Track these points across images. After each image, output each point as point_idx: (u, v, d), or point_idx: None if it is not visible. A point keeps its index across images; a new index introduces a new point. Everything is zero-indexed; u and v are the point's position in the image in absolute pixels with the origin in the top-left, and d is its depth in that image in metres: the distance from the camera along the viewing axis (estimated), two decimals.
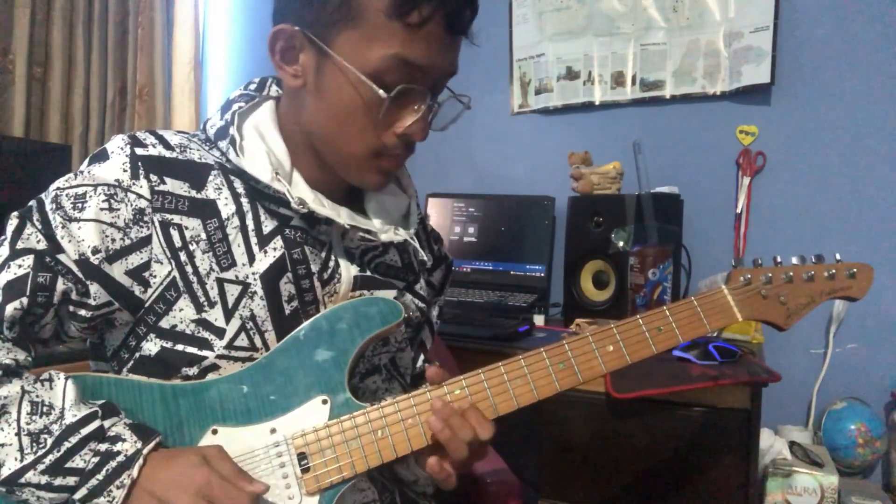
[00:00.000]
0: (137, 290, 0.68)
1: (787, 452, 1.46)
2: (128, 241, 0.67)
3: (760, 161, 1.75)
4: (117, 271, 0.67)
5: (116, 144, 0.69)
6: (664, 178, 1.73)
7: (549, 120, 2.06)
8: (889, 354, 1.63)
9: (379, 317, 0.74)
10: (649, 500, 1.29)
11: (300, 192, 0.73)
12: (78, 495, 0.60)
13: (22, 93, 1.84)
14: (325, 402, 0.70)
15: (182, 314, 0.69)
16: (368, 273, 0.79)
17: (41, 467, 0.60)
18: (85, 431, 0.62)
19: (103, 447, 0.62)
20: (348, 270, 0.77)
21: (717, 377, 1.22)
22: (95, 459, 0.61)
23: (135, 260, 0.68)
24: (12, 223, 0.67)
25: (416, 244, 0.81)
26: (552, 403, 1.37)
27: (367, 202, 0.80)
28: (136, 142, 0.70)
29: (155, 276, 0.69)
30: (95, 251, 0.66)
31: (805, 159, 1.72)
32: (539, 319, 1.68)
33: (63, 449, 0.61)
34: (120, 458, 0.61)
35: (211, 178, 0.71)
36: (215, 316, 0.69)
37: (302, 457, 0.68)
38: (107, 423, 0.63)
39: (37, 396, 0.63)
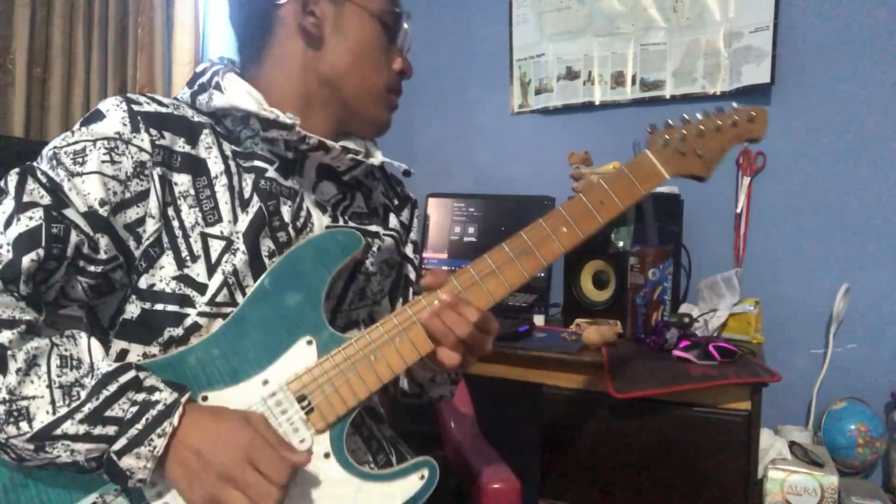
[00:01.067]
0: (132, 245, 0.68)
1: (787, 452, 1.46)
2: (128, 195, 0.67)
3: (760, 161, 1.75)
4: (119, 224, 0.67)
5: (111, 102, 0.69)
6: None
7: (549, 120, 2.06)
8: (889, 354, 1.63)
9: (339, 248, 0.75)
10: (649, 500, 1.29)
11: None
12: (117, 445, 0.60)
13: (22, 93, 1.84)
14: (309, 342, 0.71)
15: (163, 272, 0.69)
16: (340, 223, 0.81)
17: (79, 416, 0.59)
18: (123, 380, 0.62)
19: (141, 396, 0.61)
20: (320, 220, 0.79)
21: (717, 377, 1.22)
22: (134, 409, 0.61)
23: (132, 214, 0.68)
24: (13, 179, 0.65)
25: (391, 161, 0.87)
26: (552, 403, 1.38)
27: (367, 128, 0.86)
28: (130, 100, 0.70)
29: (145, 232, 0.69)
30: (102, 203, 0.66)
31: (805, 159, 1.72)
32: (539, 319, 1.68)
33: (101, 397, 0.60)
34: (160, 407, 0.61)
35: (203, 136, 0.73)
36: (197, 271, 0.70)
37: (302, 398, 0.69)
38: (141, 375, 0.63)
39: (65, 350, 0.63)
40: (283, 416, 0.68)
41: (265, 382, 0.69)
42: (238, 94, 0.74)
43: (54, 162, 0.66)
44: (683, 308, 1.59)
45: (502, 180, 2.10)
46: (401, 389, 0.96)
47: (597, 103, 1.96)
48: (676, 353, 1.33)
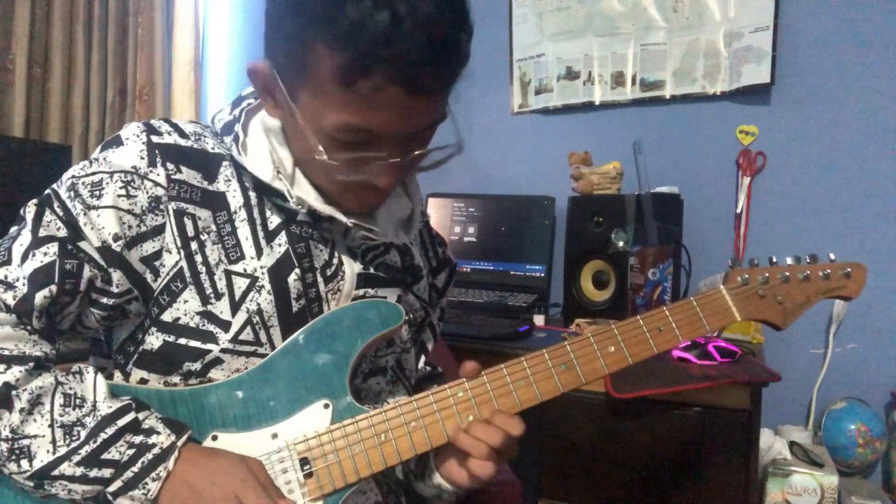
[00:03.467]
0: (150, 277, 0.68)
1: (787, 452, 1.46)
2: (143, 228, 0.67)
3: (760, 161, 1.75)
4: (134, 258, 0.67)
5: (132, 131, 0.69)
6: (664, 178, 1.73)
7: (549, 120, 2.06)
8: (889, 354, 1.63)
9: (379, 320, 0.73)
10: (649, 499, 1.29)
11: (302, 191, 0.73)
12: (112, 487, 0.60)
13: (22, 93, 1.84)
14: (326, 406, 0.70)
15: (186, 306, 0.68)
16: (371, 271, 0.78)
17: (76, 458, 0.60)
18: (120, 423, 0.62)
19: (138, 439, 0.61)
20: (352, 268, 0.76)
21: (717, 377, 1.22)
22: (131, 451, 0.61)
23: (149, 248, 0.67)
24: (31, 211, 0.66)
25: (415, 251, 0.81)
26: (552, 403, 1.37)
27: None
28: (151, 129, 0.69)
29: (164, 266, 0.68)
30: (116, 238, 0.65)
31: (805, 159, 1.72)
32: (539, 319, 1.68)
33: (99, 440, 0.60)
34: (155, 451, 0.61)
35: (222, 169, 0.71)
36: (221, 308, 0.69)
37: (304, 462, 0.67)
38: (140, 416, 0.63)
39: (69, 388, 0.63)
40: (282, 474, 0.67)
41: (274, 436, 0.68)
42: (257, 157, 0.71)
43: (72, 193, 0.66)
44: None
45: (502, 180, 2.10)
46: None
47: (597, 103, 1.96)
48: (676, 353, 1.33)
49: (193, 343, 0.68)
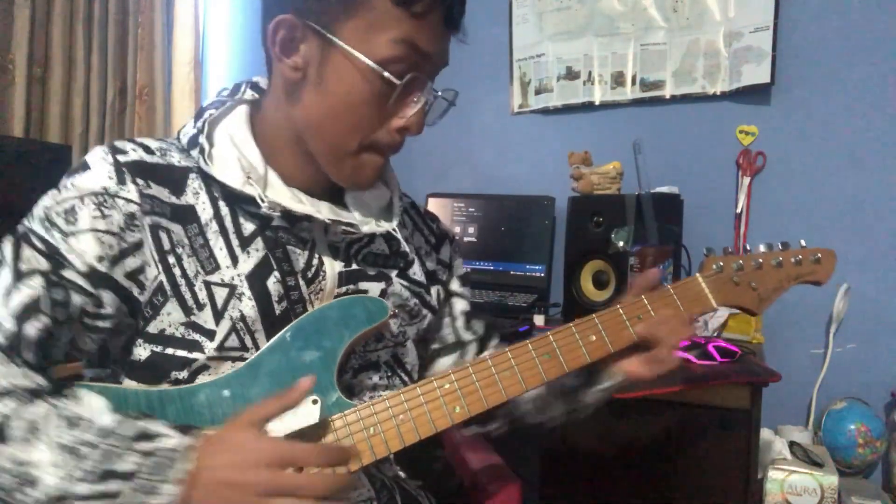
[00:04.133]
0: (136, 291, 0.69)
1: (787, 452, 1.46)
2: (124, 245, 0.68)
3: (760, 161, 1.75)
4: (119, 274, 0.67)
5: (97, 155, 0.69)
6: (664, 178, 1.73)
7: (549, 120, 2.05)
8: (889, 354, 1.63)
9: (365, 315, 0.74)
10: (649, 500, 1.29)
11: (276, 192, 0.73)
12: (130, 499, 0.57)
13: (22, 93, 1.84)
14: (315, 402, 0.70)
15: (170, 318, 0.69)
16: (354, 266, 0.79)
17: (86, 477, 0.57)
18: (125, 433, 0.60)
19: (147, 446, 0.59)
20: (332, 267, 0.77)
21: (717, 377, 1.22)
22: (142, 459, 0.58)
23: (131, 263, 0.68)
24: (8, 247, 0.66)
25: (400, 236, 0.81)
26: None
27: (346, 195, 0.80)
28: (116, 150, 0.70)
29: (147, 279, 0.69)
30: (100, 259, 0.66)
31: (805, 159, 1.72)
32: (539, 319, 1.68)
33: (106, 454, 0.58)
34: (166, 454, 0.59)
35: (189, 181, 0.72)
36: (205, 318, 0.70)
37: None
38: (143, 423, 0.62)
39: (66, 411, 0.61)
40: None
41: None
42: (225, 165, 0.71)
43: (47, 223, 0.66)
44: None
45: (502, 180, 2.10)
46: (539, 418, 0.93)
47: (597, 103, 1.96)
48: (676, 353, 1.33)
49: (180, 352, 0.69)
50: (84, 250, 0.66)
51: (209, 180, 0.72)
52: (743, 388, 1.23)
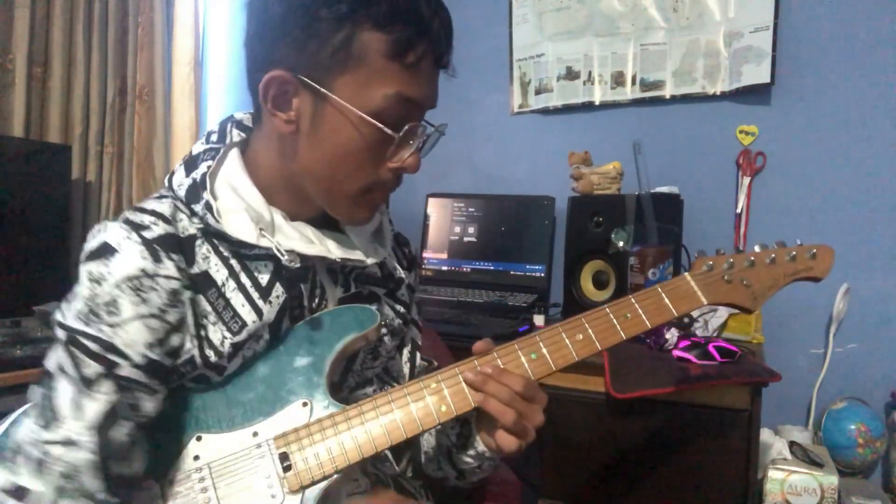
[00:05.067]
0: (168, 362, 0.68)
1: (787, 452, 1.46)
2: (167, 325, 0.67)
3: (760, 161, 1.76)
4: (164, 352, 0.67)
5: (119, 235, 0.66)
6: (664, 178, 1.73)
7: (549, 120, 2.06)
8: (889, 354, 1.63)
9: (355, 322, 0.77)
10: (649, 499, 1.29)
11: (285, 236, 0.73)
12: None
13: (22, 93, 1.84)
14: (305, 404, 0.73)
15: (190, 375, 0.71)
16: (353, 290, 0.81)
17: None
18: None
19: None
20: (333, 294, 0.79)
21: (717, 377, 1.22)
22: None
23: (174, 341, 0.68)
24: (60, 356, 0.63)
25: (395, 262, 0.87)
26: (552, 403, 1.37)
27: (342, 221, 0.80)
28: (137, 227, 0.67)
29: (181, 356, 0.69)
30: (150, 346, 0.65)
31: (805, 159, 1.72)
32: (539, 319, 1.68)
33: None
34: None
35: (197, 247, 0.71)
36: (221, 362, 0.71)
37: (283, 457, 0.70)
38: None
39: None
40: (262, 469, 0.69)
41: (255, 434, 0.71)
42: (234, 220, 0.70)
43: (92, 317, 0.63)
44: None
45: (502, 180, 2.10)
46: (431, 477, 0.92)
47: (597, 103, 1.96)
48: (676, 353, 1.33)
49: (188, 384, 0.72)
50: (134, 339, 0.64)
51: (216, 239, 0.71)
52: (743, 388, 1.23)
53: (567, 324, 0.79)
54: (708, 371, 1.25)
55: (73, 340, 0.63)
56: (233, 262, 0.72)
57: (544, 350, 0.77)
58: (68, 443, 0.59)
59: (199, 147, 0.76)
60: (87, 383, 0.61)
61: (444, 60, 0.71)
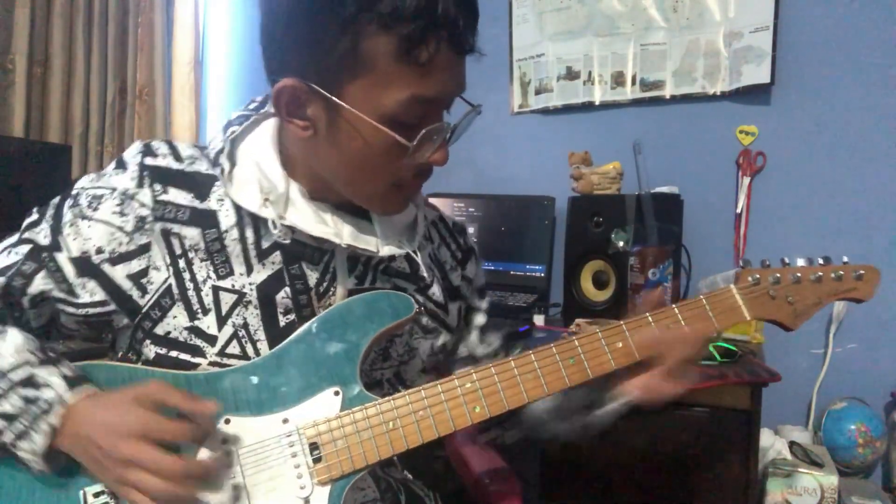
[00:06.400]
0: (136, 294, 0.71)
1: (787, 452, 1.46)
2: (132, 247, 0.70)
3: (760, 161, 1.75)
4: (119, 274, 0.70)
5: (132, 152, 0.73)
6: (664, 178, 1.73)
7: (549, 120, 2.05)
8: (889, 354, 1.63)
9: (391, 310, 0.74)
10: (649, 499, 1.29)
11: (297, 211, 0.73)
12: (5, 438, 0.62)
13: (22, 93, 1.84)
14: (336, 393, 0.71)
15: (175, 321, 0.71)
16: (367, 284, 0.78)
17: None
18: (14, 377, 0.63)
19: (29, 393, 0.63)
20: (344, 283, 0.76)
21: (717, 377, 1.22)
22: (20, 405, 0.62)
23: (135, 265, 0.70)
24: (30, 216, 0.72)
25: (419, 260, 0.81)
26: None
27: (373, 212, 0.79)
28: (148, 151, 0.73)
29: (152, 283, 0.70)
30: (99, 251, 0.69)
31: (805, 159, 1.72)
32: (539, 319, 1.68)
33: None
34: (41, 405, 0.62)
35: (215, 188, 0.72)
36: (208, 323, 0.71)
37: (314, 447, 0.69)
38: (39, 370, 0.64)
39: None
40: (292, 458, 0.68)
41: (285, 421, 0.70)
42: (242, 187, 0.71)
43: (73, 201, 0.71)
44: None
45: (502, 180, 2.10)
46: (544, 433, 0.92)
47: (597, 103, 1.96)
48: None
49: (183, 356, 0.71)
50: (88, 237, 0.69)
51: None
52: (743, 388, 1.23)
53: (607, 329, 0.77)
54: (708, 371, 1.25)
55: (44, 210, 0.72)
56: (244, 214, 0.72)
57: (582, 356, 0.76)
58: None
59: (235, 112, 0.77)
60: (19, 241, 0.71)
61: (465, 46, 0.65)
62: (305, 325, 0.73)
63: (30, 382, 0.63)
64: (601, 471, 1.33)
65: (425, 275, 0.83)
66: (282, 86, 0.67)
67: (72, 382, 0.64)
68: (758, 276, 0.81)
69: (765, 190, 1.76)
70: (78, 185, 0.72)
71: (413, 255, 0.80)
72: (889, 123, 1.63)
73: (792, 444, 1.48)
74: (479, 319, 0.95)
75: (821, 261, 0.84)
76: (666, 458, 1.28)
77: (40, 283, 0.69)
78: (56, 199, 0.73)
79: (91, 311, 0.71)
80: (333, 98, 0.65)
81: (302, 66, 0.65)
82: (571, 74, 1.99)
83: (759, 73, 1.72)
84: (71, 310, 0.71)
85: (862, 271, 0.83)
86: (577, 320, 1.54)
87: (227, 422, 0.69)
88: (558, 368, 0.75)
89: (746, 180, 1.76)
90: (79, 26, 1.98)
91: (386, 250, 0.76)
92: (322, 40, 0.63)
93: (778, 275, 0.82)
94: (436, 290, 0.86)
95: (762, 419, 1.24)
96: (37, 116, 1.91)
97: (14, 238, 0.72)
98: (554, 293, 1.86)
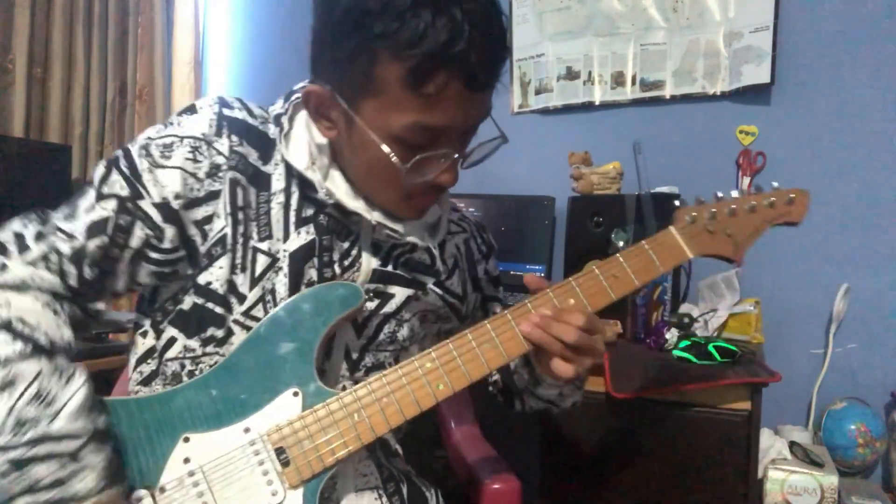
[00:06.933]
0: (199, 240, 0.73)
1: (787, 452, 1.46)
2: (203, 193, 0.72)
3: (760, 161, 1.75)
4: (189, 219, 0.72)
5: (206, 102, 0.75)
6: (664, 178, 1.73)
7: (549, 120, 2.05)
8: (889, 354, 1.63)
9: (338, 301, 0.74)
10: (649, 499, 1.29)
11: (335, 184, 0.76)
12: (20, 502, 0.59)
13: (22, 93, 1.84)
14: (295, 394, 0.70)
15: (220, 272, 0.73)
16: (390, 268, 0.81)
17: (10, 455, 0.59)
18: (58, 450, 0.60)
19: (64, 473, 0.60)
20: (369, 262, 0.79)
21: (717, 377, 1.22)
22: (51, 479, 0.60)
23: (202, 211, 0.72)
24: (99, 171, 0.72)
25: (437, 254, 0.86)
26: None
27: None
28: (224, 103, 0.75)
29: (212, 230, 0.72)
30: (177, 196, 0.71)
31: (805, 159, 1.72)
32: None
33: (35, 451, 0.60)
34: (68, 493, 0.60)
35: (276, 153, 0.76)
36: (241, 280, 0.73)
37: (280, 451, 0.68)
38: (89, 451, 0.62)
39: (47, 384, 0.62)
40: (259, 467, 0.68)
41: (246, 430, 0.69)
42: (296, 148, 0.75)
43: (143, 151, 0.72)
44: (683, 308, 1.59)
45: (502, 180, 2.09)
46: (528, 407, 0.95)
47: (597, 103, 1.96)
48: (676, 352, 1.33)
49: (218, 309, 0.73)
50: (166, 183, 0.70)
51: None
52: (743, 388, 1.23)
53: (558, 288, 0.77)
54: (708, 371, 1.25)
55: (116, 161, 0.72)
56: (293, 182, 0.75)
57: (511, 319, 0.75)
58: (69, 235, 0.69)
59: (299, 84, 0.79)
60: (100, 197, 0.70)
61: (476, 83, 0.66)
62: (254, 329, 0.72)
63: (71, 458, 0.61)
64: (601, 470, 1.33)
65: (440, 268, 0.87)
66: (309, 90, 0.71)
67: (108, 476, 0.62)
68: (694, 213, 0.83)
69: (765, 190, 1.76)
70: (144, 136, 0.73)
71: (434, 249, 0.84)
72: (889, 123, 1.63)
73: (792, 444, 1.48)
74: (497, 308, 1.00)
75: (753, 190, 0.86)
76: (666, 457, 1.28)
77: (139, 233, 0.71)
78: (121, 151, 0.73)
79: (170, 256, 0.72)
80: (350, 111, 0.69)
81: (330, 75, 0.70)
82: (571, 74, 1.99)
83: (759, 73, 1.72)
84: (156, 255, 0.72)
85: (793, 195, 0.85)
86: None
87: (187, 440, 0.67)
88: (514, 334, 0.74)
89: (746, 180, 1.76)
90: (79, 26, 1.98)
91: (409, 238, 0.79)
92: (346, 57, 0.66)
93: (713, 209, 0.83)
94: (454, 281, 0.89)
95: (762, 419, 1.24)
96: (37, 116, 1.91)
97: (91, 195, 0.71)
98: None
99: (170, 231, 0.71)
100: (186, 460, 0.67)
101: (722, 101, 1.81)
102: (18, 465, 0.59)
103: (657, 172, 1.72)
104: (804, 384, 1.69)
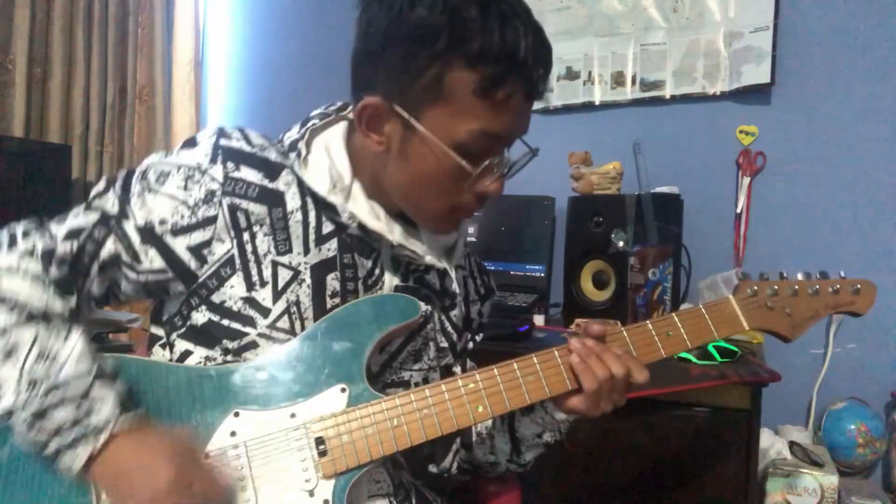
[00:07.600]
0: (194, 265, 0.74)
1: (787, 452, 1.46)
2: (194, 220, 0.73)
3: (760, 161, 1.76)
4: (179, 245, 0.73)
5: (206, 133, 0.77)
6: (664, 178, 1.73)
7: (550, 120, 2.05)
8: (889, 354, 1.63)
9: (396, 312, 0.77)
10: (649, 500, 1.29)
11: (357, 204, 0.78)
12: (47, 451, 0.63)
13: (22, 93, 1.84)
14: (343, 390, 0.73)
15: (232, 291, 0.74)
16: (411, 283, 0.83)
17: (29, 410, 0.62)
18: (70, 394, 0.64)
19: (81, 411, 0.63)
20: (391, 280, 0.81)
21: (717, 377, 1.22)
22: (70, 420, 0.63)
23: (197, 237, 0.73)
24: (99, 185, 0.77)
25: (454, 275, 0.87)
26: None
27: (422, 226, 0.84)
28: (222, 133, 0.76)
29: (213, 254, 0.74)
30: (162, 222, 0.73)
31: (805, 159, 1.72)
32: (539, 319, 1.68)
33: (49, 400, 0.63)
34: (87, 428, 0.63)
35: (283, 174, 0.77)
36: (263, 296, 0.74)
37: (319, 441, 0.71)
38: (100, 388, 0.65)
39: (47, 343, 0.65)
40: (297, 452, 0.71)
41: (292, 416, 0.72)
42: (316, 172, 0.77)
43: (141, 175, 0.75)
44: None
45: None
46: (481, 464, 0.96)
47: (597, 103, 1.96)
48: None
49: (234, 325, 0.74)
50: (153, 209, 0.73)
51: (302, 181, 0.77)
52: (743, 388, 1.23)
53: (609, 336, 0.79)
54: (708, 371, 1.25)
55: (114, 180, 0.76)
56: (309, 200, 0.77)
57: (538, 369, 0.77)
58: (51, 235, 0.72)
59: (316, 111, 0.83)
60: (87, 207, 0.75)
61: (535, 93, 0.73)
62: (315, 324, 0.75)
63: (85, 397, 0.64)
64: (601, 471, 1.33)
65: (456, 290, 0.89)
66: (366, 103, 0.72)
67: (122, 404, 0.66)
68: (756, 287, 0.84)
69: (765, 190, 1.76)
70: (146, 161, 0.76)
71: (448, 271, 0.86)
72: (889, 123, 1.63)
73: (792, 444, 1.48)
74: (456, 370, 0.98)
75: (818, 275, 0.87)
76: (666, 458, 1.28)
77: (111, 247, 0.73)
78: (123, 172, 0.77)
79: (150, 277, 0.74)
80: (412, 120, 0.71)
81: (388, 87, 0.71)
82: (571, 74, 1.99)
83: (759, 73, 1.72)
84: (133, 275, 0.74)
85: (859, 286, 0.87)
86: (577, 320, 1.54)
87: (237, 414, 0.71)
88: (559, 372, 0.77)
89: (746, 180, 1.76)
90: (79, 26, 1.98)
91: (427, 259, 0.81)
92: (411, 68, 0.69)
93: (776, 286, 0.84)
94: (457, 313, 0.91)
95: (762, 419, 1.24)
96: (37, 116, 1.91)
97: (82, 206, 0.75)
98: (554, 293, 1.86)
99: (151, 252, 0.73)
100: (233, 433, 0.70)
101: (722, 101, 1.81)
102: (39, 415, 0.63)
103: (657, 172, 1.72)
104: (804, 384, 1.69)
